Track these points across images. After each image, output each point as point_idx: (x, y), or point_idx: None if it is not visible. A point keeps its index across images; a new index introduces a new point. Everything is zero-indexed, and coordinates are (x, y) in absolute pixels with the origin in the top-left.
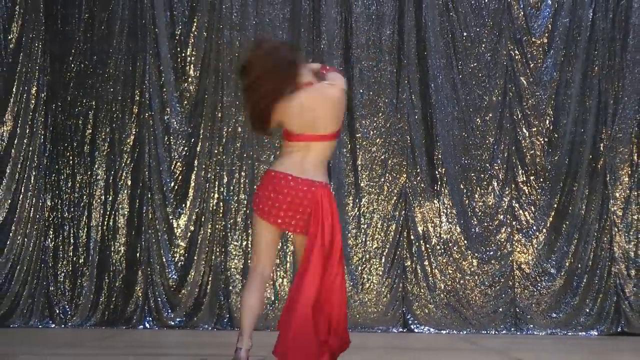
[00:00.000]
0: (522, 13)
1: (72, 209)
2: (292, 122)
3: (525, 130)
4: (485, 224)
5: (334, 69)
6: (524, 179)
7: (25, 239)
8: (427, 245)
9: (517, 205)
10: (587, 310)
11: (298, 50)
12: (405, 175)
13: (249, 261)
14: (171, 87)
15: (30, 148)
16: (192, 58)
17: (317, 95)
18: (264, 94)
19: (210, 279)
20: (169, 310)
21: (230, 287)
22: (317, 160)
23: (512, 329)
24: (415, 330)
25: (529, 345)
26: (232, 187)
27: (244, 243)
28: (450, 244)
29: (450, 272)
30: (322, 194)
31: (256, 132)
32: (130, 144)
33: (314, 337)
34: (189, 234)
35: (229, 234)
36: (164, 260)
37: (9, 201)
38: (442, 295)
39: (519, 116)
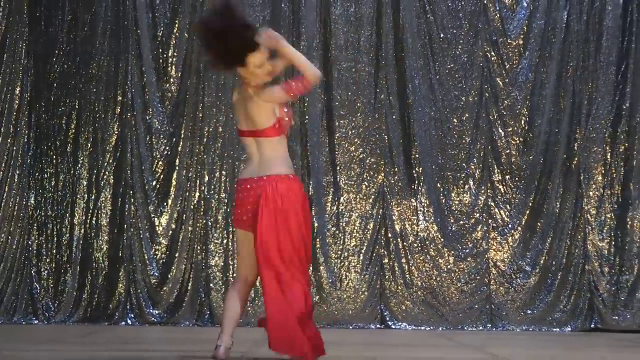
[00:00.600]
0: (497, 15)
1: (55, 208)
2: (235, 117)
3: (500, 130)
4: (462, 222)
5: (299, 79)
6: (500, 178)
7: (9, 237)
8: (405, 243)
9: (492, 203)
10: (561, 306)
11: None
12: (383, 174)
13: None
14: (153, 88)
15: (14, 147)
16: (174, 59)
17: (247, 96)
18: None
19: (191, 276)
20: (151, 307)
21: (211, 284)
22: (267, 155)
23: (488, 325)
24: (393, 327)
25: (505, 341)
26: (212, 186)
27: (225, 241)
28: (427, 242)
29: (427, 269)
30: (270, 188)
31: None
32: (112, 144)
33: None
34: (171, 232)
35: (209, 232)
36: (146, 257)
37: None
38: (419, 292)
39: (495, 116)
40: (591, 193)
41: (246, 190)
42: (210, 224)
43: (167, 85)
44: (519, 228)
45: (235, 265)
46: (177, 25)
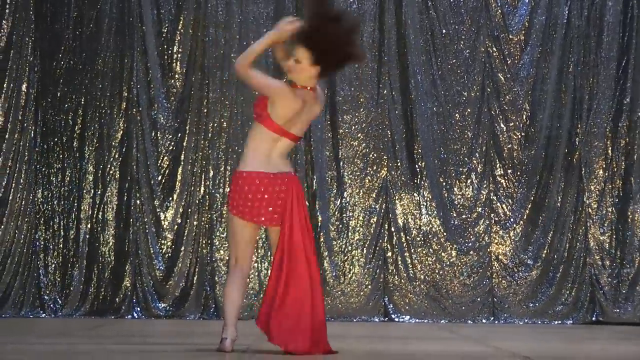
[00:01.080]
0: (499, 11)
1: (62, 202)
2: (282, 112)
3: (502, 125)
4: (464, 216)
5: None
6: (502, 172)
7: (17, 232)
8: (408, 237)
9: (494, 198)
10: (563, 299)
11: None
12: (386, 169)
13: (228, 257)
14: (158, 84)
15: (21, 143)
16: (179, 55)
17: (310, 104)
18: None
19: (196, 270)
20: (157, 301)
21: (216, 278)
22: (282, 153)
23: (490, 318)
24: (396, 320)
25: (507, 333)
26: (217, 181)
27: None
28: (429, 236)
29: (430, 263)
30: (293, 184)
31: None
32: (118, 139)
33: (309, 318)
34: (176, 226)
35: (214, 226)
36: (152, 252)
37: (0, 195)
38: (422, 285)
39: (497, 111)
40: (592, 187)
41: (264, 184)
42: (215, 218)
43: (172, 81)
44: (521, 222)
45: None
46: (181, 22)
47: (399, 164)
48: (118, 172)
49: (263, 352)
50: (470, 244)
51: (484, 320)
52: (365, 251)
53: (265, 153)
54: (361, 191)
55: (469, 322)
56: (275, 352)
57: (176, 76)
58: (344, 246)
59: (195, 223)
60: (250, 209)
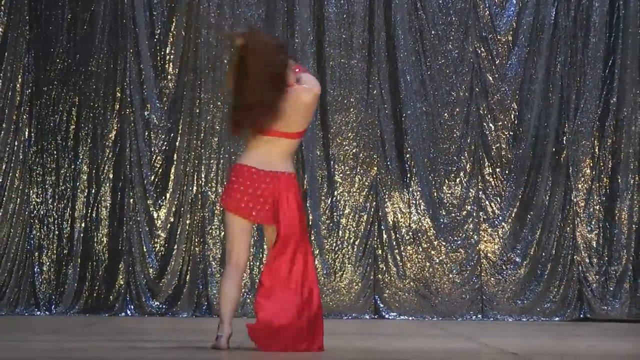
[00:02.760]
0: (487, 12)
1: (56, 202)
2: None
3: (491, 124)
4: (453, 214)
5: (306, 70)
6: (490, 171)
7: (11, 231)
8: (397, 235)
9: (483, 196)
10: (551, 297)
11: (289, 54)
12: (376, 168)
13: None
14: (151, 84)
15: (16, 143)
16: (171, 56)
17: (293, 98)
18: (265, 89)
19: (189, 268)
20: (150, 299)
21: (209, 276)
22: (282, 153)
23: (479, 316)
24: (386, 317)
25: (495, 330)
26: (209, 180)
27: (222, 233)
28: (419, 234)
29: (420, 260)
30: (284, 184)
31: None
32: (112, 139)
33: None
34: (169, 225)
35: (207, 225)
36: (145, 250)
37: None
38: (411, 283)
39: (485, 111)
40: (580, 185)
41: (251, 179)
42: (207, 217)
43: (165, 82)
44: (509, 220)
45: None
46: (174, 24)
47: (388, 163)
48: (112, 171)
49: (256, 350)
50: (459, 242)
51: (473, 318)
52: (355, 249)
53: (258, 151)
54: (351, 190)
55: (458, 319)
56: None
57: (169, 77)
58: (334, 244)
59: (187, 222)
60: (237, 203)
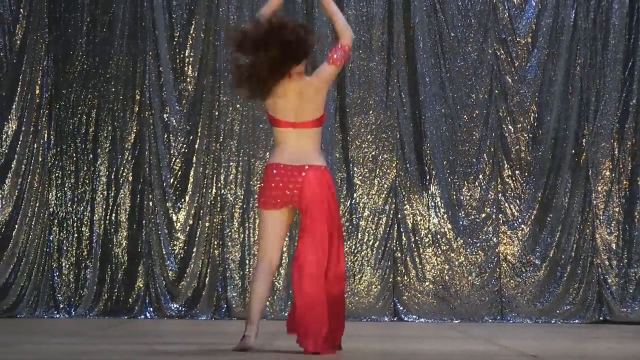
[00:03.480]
0: (507, 14)
1: (75, 204)
2: (276, 108)
3: (510, 127)
4: (472, 216)
5: (336, 50)
6: (510, 173)
7: (31, 233)
8: (417, 238)
9: (502, 198)
10: (571, 299)
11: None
12: (395, 171)
13: (256, 253)
14: (170, 87)
15: (35, 145)
16: (191, 59)
17: (301, 87)
18: (274, 64)
19: (208, 270)
20: (169, 301)
21: (228, 279)
22: (305, 145)
23: (498, 318)
24: (405, 320)
25: (515, 333)
26: (229, 183)
27: (241, 236)
28: (438, 236)
29: (439, 263)
30: (311, 178)
31: (254, 98)
32: (131, 142)
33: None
34: (188, 227)
35: (226, 227)
36: (164, 252)
37: (15, 197)
38: (430, 285)
39: (504, 113)
40: (599, 188)
41: (279, 174)
42: (226, 219)
43: (184, 84)
44: (529, 222)
45: (255, 257)
46: (193, 26)
47: (407, 166)
48: (131, 174)
49: (280, 352)
50: (478, 244)
51: (492, 320)
52: (374, 252)
53: (281, 147)
54: (371, 192)
55: (478, 321)
56: (285, 351)
57: (188, 79)
58: (354, 247)
59: (207, 224)
60: (267, 199)
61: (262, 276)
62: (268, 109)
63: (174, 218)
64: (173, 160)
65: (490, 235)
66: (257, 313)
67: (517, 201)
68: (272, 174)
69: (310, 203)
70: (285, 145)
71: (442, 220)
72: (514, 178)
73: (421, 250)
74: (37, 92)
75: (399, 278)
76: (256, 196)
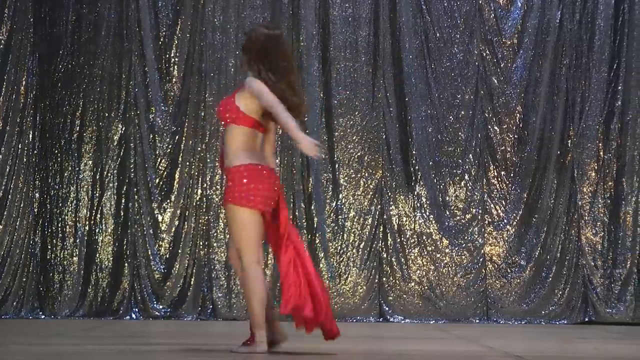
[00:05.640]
0: (492, 15)
1: (60, 205)
2: (261, 112)
3: (496, 127)
4: (458, 217)
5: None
6: (495, 174)
7: (15, 234)
8: (402, 239)
9: (488, 199)
10: (556, 300)
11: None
12: (381, 171)
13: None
14: (156, 87)
15: (20, 145)
16: (176, 59)
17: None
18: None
19: (194, 271)
20: (155, 302)
21: (213, 279)
22: (269, 149)
23: (484, 318)
24: (391, 320)
25: (500, 333)
26: (214, 183)
27: (227, 236)
28: (424, 237)
29: (424, 264)
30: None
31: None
32: (116, 142)
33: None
34: (174, 228)
35: (211, 228)
36: (150, 253)
37: None
38: (416, 286)
39: (490, 114)
40: (585, 188)
41: (267, 177)
42: (212, 220)
43: (170, 85)
44: (514, 223)
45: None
46: (179, 27)
47: (393, 166)
48: (116, 174)
49: (278, 353)
50: (464, 245)
51: (477, 320)
52: (360, 252)
53: (261, 150)
54: (356, 193)
55: (463, 322)
56: (277, 352)
57: (174, 80)
58: (339, 247)
59: (192, 225)
60: (254, 198)
61: (260, 278)
62: (254, 114)
63: (160, 219)
64: (158, 160)
65: (476, 236)
66: (263, 317)
67: (503, 202)
68: (262, 175)
69: (280, 203)
70: (256, 148)
71: (428, 221)
72: (499, 179)
73: (407, 251)
74: (22, 92)
75: (384, 279)
76: (235, 195)
